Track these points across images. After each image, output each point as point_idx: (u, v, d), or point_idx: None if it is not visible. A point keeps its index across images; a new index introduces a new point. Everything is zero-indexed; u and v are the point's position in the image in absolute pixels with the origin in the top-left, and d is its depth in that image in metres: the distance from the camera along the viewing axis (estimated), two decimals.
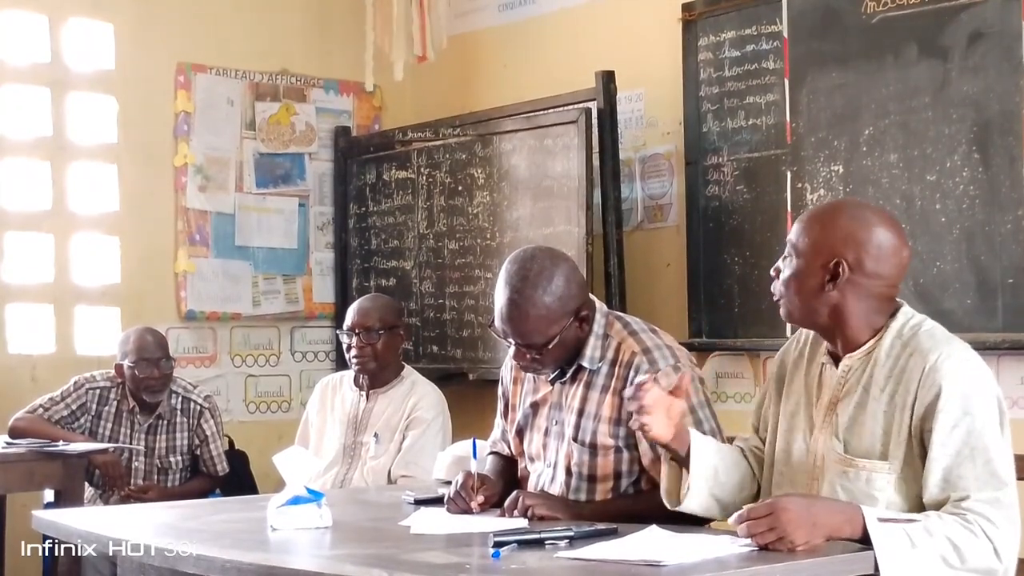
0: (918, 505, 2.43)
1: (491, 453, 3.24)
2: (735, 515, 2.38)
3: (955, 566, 2.34)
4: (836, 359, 2.57)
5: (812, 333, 2.66)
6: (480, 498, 2.87)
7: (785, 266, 2.57)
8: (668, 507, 2.62)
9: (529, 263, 2.86)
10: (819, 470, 2.52)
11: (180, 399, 4.81)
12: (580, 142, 5.03)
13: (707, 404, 2.90)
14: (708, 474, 2.59)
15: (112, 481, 4.62)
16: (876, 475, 2.45)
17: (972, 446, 2.38)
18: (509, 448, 3.19)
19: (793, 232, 2.59)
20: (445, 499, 2.94)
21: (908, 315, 2.54)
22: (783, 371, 2.71)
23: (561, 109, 5.19)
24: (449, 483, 3.06)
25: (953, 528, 2.35)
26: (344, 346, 4.26)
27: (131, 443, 4.72)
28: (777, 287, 2.58)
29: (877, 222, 2.55)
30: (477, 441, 3.10)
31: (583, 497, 2.90)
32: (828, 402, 2.55)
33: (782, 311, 2.60)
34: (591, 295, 3.01)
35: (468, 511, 2.86)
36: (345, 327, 4.23)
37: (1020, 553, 2.57)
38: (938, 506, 2.40)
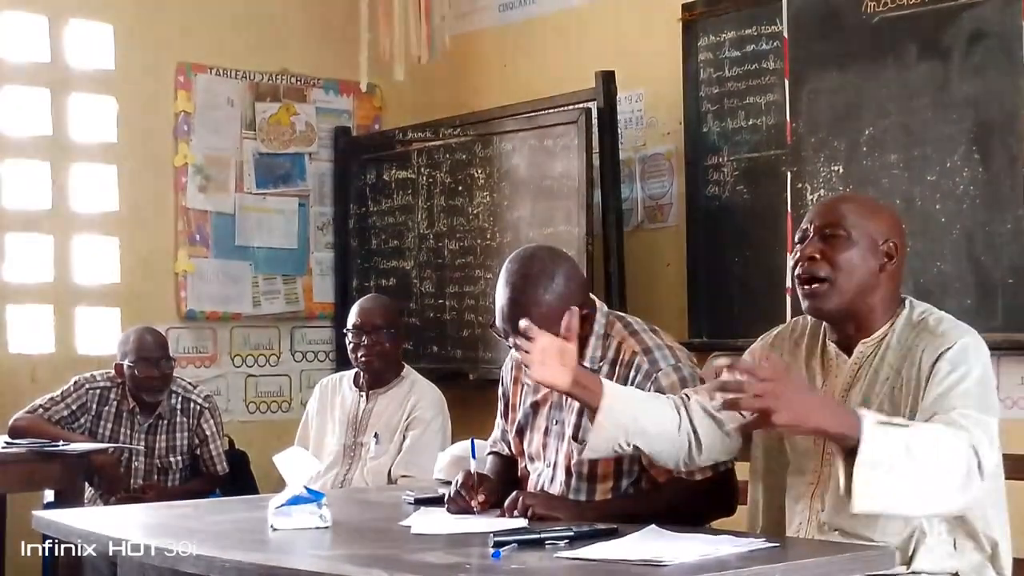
0: None
1: (491, 453, 3.24)
2: (724, 360, 2.31)
3: (942, 473, 2.29)
4: (845, 348, 2.58)
5: (806, 324, 2.66)
6: (480, 497, 2.87)
7: (837, 248, 2.52)
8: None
9: (530, 262, 2.86)
10: (830, 455, 2.50)
11: (180, 399, 4.81)
12: (580, 142, 5.03)
13: None
14: (622, 420, 2.55)
15: (110, 483, 4.61)
16: None
17: (965, 391, 2.39)
18: (509, 448, 3.19)
19: (829, 215, 2.55)
20: (445, 499, 2.94)
21: (915, 305, 2.59)
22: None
23: (561, 109, 5.19)
24: (449, 483, 3.06)
25: (945, 426, 2.32)
26: (349, 345, 4.25)
27: (131, 443, 4.72)
28: (823, 269, 2.52)
29: (894, 212, 2.69)
30: (476, 441, 3.10)
31: (583, 497, 2.90)
32: (840, 389, 2.55)
33: (823, 300, 2.52)
34: (592, 295, 3.01)
35: (468, 511, 2.86)
36: (351, 325, 4.23)
37: (1017, 553, 2.58)
38: None
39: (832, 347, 2.61)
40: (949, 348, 2.44)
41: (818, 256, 2.53)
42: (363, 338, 4.17)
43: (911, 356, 2.48)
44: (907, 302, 2.59)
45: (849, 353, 2.58)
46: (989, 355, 2.51)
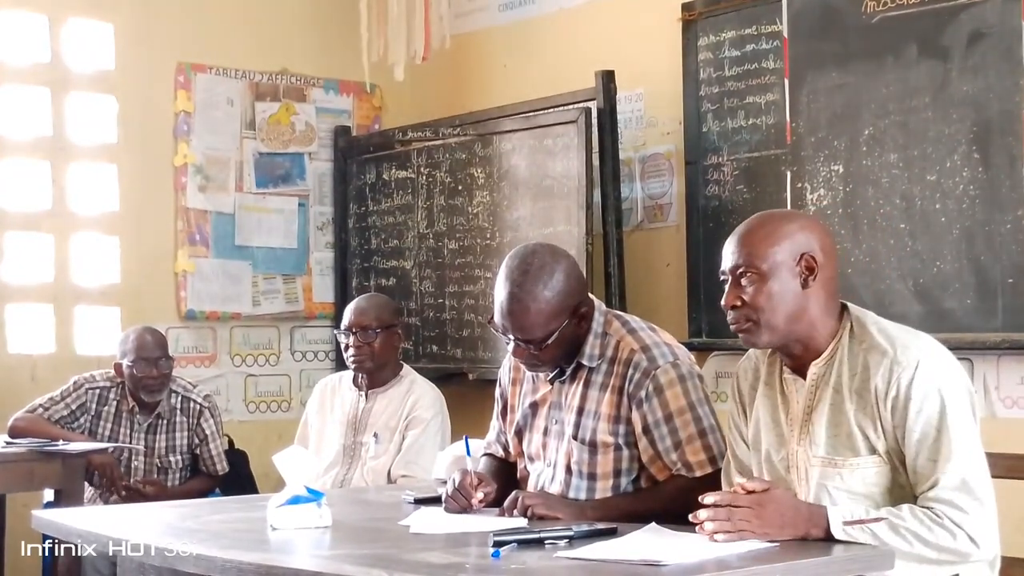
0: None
1: (485, 455, 3.24)
2: (710, 498, 2.40)
3: (928, 558, 2.37)
4: (799, 371, 2.56)
5: (761, 354, 2.66)
6: (479, 494, 2.87)
7: (753, 288, 2.51)
8: None
9: (530, 258, 2.87)
10: (803, 481, 2.52)
11: (180, 398, 4.81)
12: (580, 142, 5.03)
13: (706, 402, 2.90)
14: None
15: (109, 483, 4.61)
16: (869, 470, 2.46)
17: (936, 428, 2.41)
18: (503, 450, 3.19)
19: (737, 256, 2.53)
20: (443, 498, 2.94)
21: (855, 313, 2.56)
22: (742, 396, 2.70)
23: (561, 109, 5.19)
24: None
25: (921, 523, 2.37)
26: (342, 346, 4.25)
27: (131, 443, 4.72)
28: (744, 314, 2.51)
29: (807, 220, 2.65)
30: (469, 439, 3.09)
31: (583, 496, 2.90)
32: (802, 414, 2.54)
33: (755, 337, 2.53)
34: (590, 294, 3.01)
35: (468, 509, 2.86)
36: (342, 326, 4.23)
37: (1010, 551, 2.58)
38: (915, 497, 2.44)
39: (787, 372, 2.59)
40: (911, 381, 2.42)
41: (738, 303, 2.52)
42: (351, 339, 4.16)
43: (868, 377, 2.46)
44: (848, 311, 2.56)
45: (803, 375, 2.56)
46: (946, 359, 2.49)
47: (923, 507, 2.39)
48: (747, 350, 2.70)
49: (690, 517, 2.39)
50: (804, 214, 2.62)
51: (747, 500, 2.38)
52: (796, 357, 2.56)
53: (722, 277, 2.57)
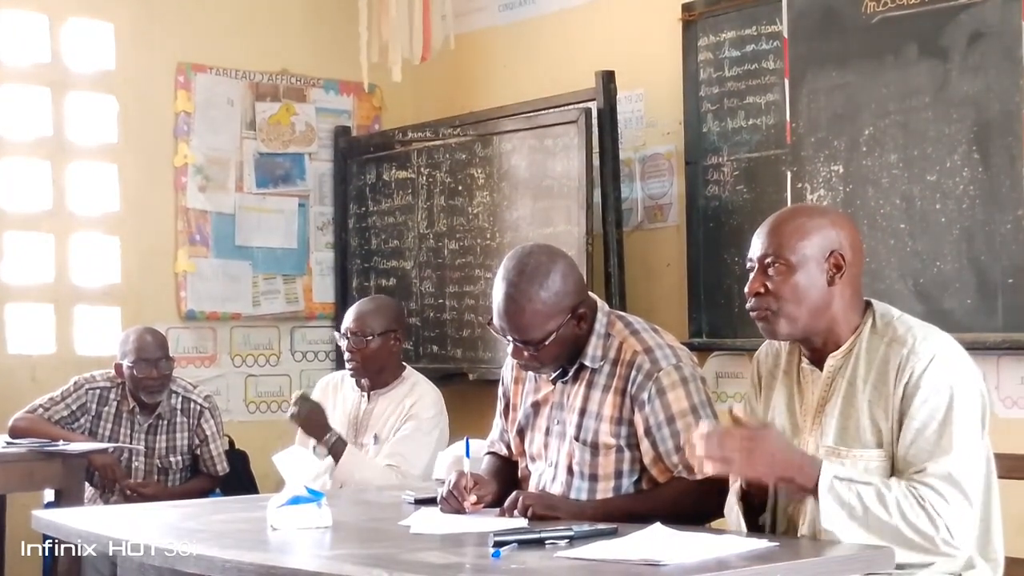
0: None
1: (488, 453, 3.24)
2: (704, 427, 2.43)
3: (902, 535, 2.37)
4: (817, 363, 2.58)
5: (784, 343, 2.67)
6: (473, 498, 2.87)
7: (780, 278, 2.53)
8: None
9: (526, 259, 2.87)
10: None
11: (180, 399, 4.80)
12: (580, 142, 5.03)
13: (708, 404, 2.90)
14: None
15: (110, 483, 4.61)
16: (873, 463, 2.47)
17: (937, 419, 2.42)
18: (507, 449, 3.19)
19: (766, 246, 2.55)
20: (438, 499, 2.94)
21: (879, 309, 2.58)
22: (760, 379, 2.72)
23: (561, 109, 5.19)
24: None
25: (906, 498, 2.38)
26: (342, 349, 4.26)
27: (131, 443, 4.72)
28: (767, 303, 2.54)
29: (839, 217, 2.66)
30: (471, 441, 3.10)
31: (584, 496, 2.90)
32: (816, 404, 2.56)
33: (775, 327, 2.55)
34: (592, 294, 3.01)
35: (461, 511, 2.86)
36: (340, 330, 4.23)
37: (1009, 551, 2.58)
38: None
39: (805, 362, 2.61)
40: (924, 370, 2.44)
41: (763, 290, 2.55)
42: (347, 343, 4.16)
43: (885, 370, 2.48)
44: (872, 307, 2.58)
45: (821, 367, 2.57)
46: (964, 359, 2.51)
47: (909, 486, 2.39)
48: (753, 350, 2.71)
49: (682, 442, 2.44)
50: (835, 210, 2.63)
51: (740, 434, 2.40)
52: (816, 349, 2.58)
53: (748, 265, 2.60)
